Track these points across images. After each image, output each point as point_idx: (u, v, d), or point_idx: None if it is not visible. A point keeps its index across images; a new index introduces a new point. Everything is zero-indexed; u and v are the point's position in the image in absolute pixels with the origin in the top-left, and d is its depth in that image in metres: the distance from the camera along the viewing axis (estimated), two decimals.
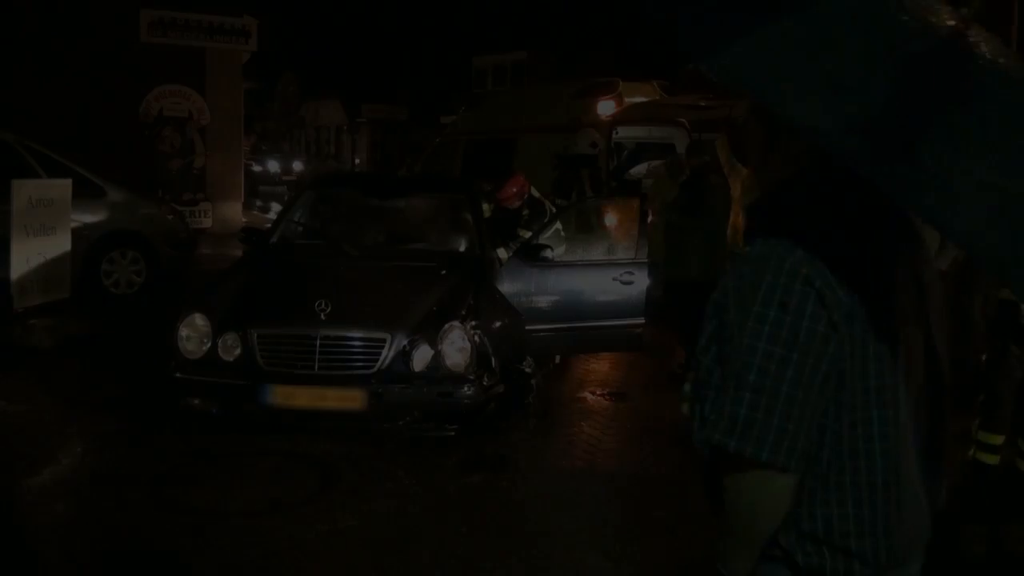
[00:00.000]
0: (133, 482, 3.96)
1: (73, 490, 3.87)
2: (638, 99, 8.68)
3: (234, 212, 14.39)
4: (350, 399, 4.27)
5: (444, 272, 5.02)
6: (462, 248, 5.61)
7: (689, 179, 5.95)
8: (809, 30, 1.09)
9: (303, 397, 4.27)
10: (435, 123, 33.05)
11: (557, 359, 6.22)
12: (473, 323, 4.50)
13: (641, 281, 5.54)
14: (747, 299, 1.28)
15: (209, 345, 4.42)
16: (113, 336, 6.75)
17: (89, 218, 7.82)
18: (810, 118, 1.09)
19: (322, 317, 4.37)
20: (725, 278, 1.35)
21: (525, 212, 6.08)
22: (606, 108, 8.41)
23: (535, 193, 6.28)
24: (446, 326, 4.42)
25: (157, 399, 4.92)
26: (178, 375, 4.41)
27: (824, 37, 1.10)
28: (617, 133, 8.57)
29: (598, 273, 5.54)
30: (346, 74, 41.60)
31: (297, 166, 27.84)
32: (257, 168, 25.97)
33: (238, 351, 4.39)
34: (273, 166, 27.01)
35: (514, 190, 6.07)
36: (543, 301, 5.40)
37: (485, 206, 6.08)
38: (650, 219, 6.62)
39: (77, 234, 7.16)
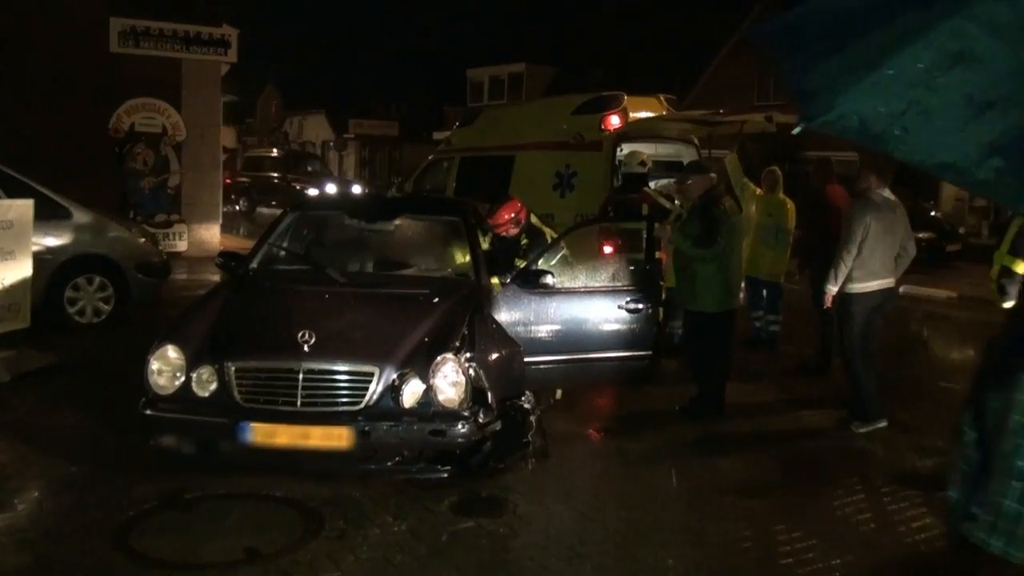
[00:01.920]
0: (97, 530, 3.92)
1: (30, 540, 3.83)
2: (644, 114, 8.72)
3: (211, 234, 14.42)
4: (335, 437, 4.25)
5: (436, 300, 5.02)
6: (456, 274, 5.62)
7: (700, 205, 5.96)
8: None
9: (284, 435, 4.25)
10: (427, 139, 33.29)
11: (558, 394, 6.20)
12: (468, 355, 4.49)
13: (649, 309, 5.54)
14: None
15: (182, 379, 4.40)
16: (77, 369, 6.72)
17: (52, 241, 7.82)
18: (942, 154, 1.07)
19: (305, 349, 4.36)
20: (1002, 334, 1.22)
21: (524, 242, 6.00)
22: (609, 123, 8.46)
23: (534, 220, 6.22)
24: (439, 358, 4.41)
25: (125, 438, 4.89)
26: (148, 412, 4.39)
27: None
28: (622, 151, 8.62)
29: (602, 300, 5.54)
30: (332, 87, 41.91)
31: (356, 189, 26.98)
32: (313, 192, 24.11)
33: (214, 386, 4.37)
34: (331, 190, 25.75)
35: (509, 216, 5.92)
36: (543, 331, 5.39)
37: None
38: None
39: (39, 259, 7.14)
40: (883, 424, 5.94)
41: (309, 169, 26.36)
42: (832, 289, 5.90)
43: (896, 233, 5.83)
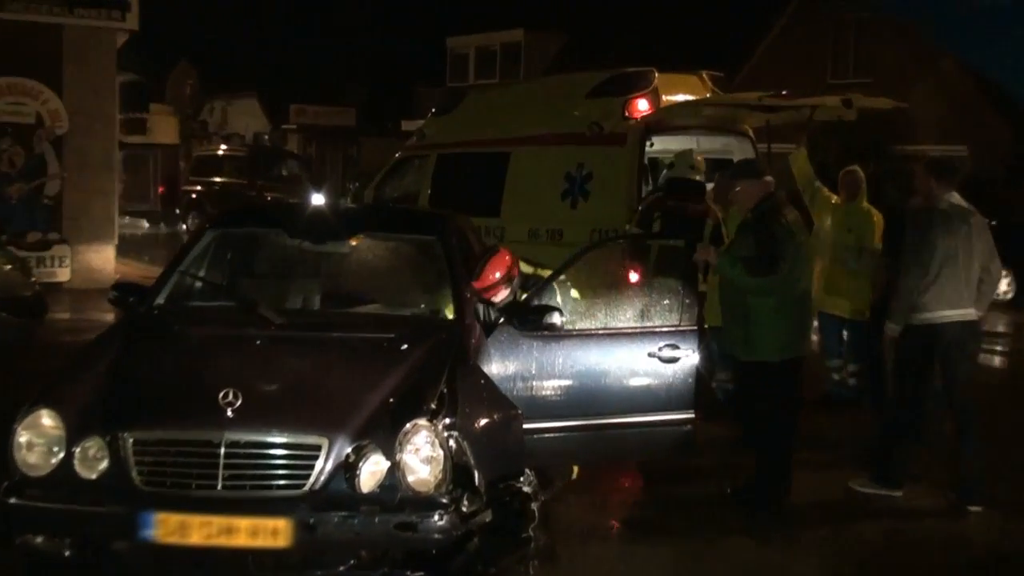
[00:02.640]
0: None
1: None
2: (681, 97, 8.82)
3: (103, 259, 14.43)
4: (269, 533, 4.22)
5: (405, 347, 5.02)
6: (432, 312, 5.63)
7: (753, 218, 6.01)
8: None
9: (200, 531, 4.21)
10: (394, 131, 33.49)
11: (572, 472, 6.19)
12: (447, 421, 4.49)
13: (689, 357, 5.57)
14: None
15: (61, 456, 4.38)
16: None
17: None
18: None
19: (229, 414, 4.35)
20: None
21: (524, 298, 5.95)
22: (635, 109, 8.55)
23: (527, 268, 6.21)
24: (408, 426, 4.40)
25: None
26: (13, 500, 4.34)
27: None
28: (652, 145, 8.70)
29: (628, 346, 5.56)
30: (267, 62, 42.25)
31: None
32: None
33: (104, 464, 4.35)
34: (319, 202, 24.71)
35: (497, 275, 5.76)
36: (549, 387, 5.40)
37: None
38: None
39: None
40: (898, 495, 6.12)
41: (284, 173, 25.79)
42: (895, 328, 6.00)
43: (974, 250, 5.95)
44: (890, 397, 6.35)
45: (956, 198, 6.04)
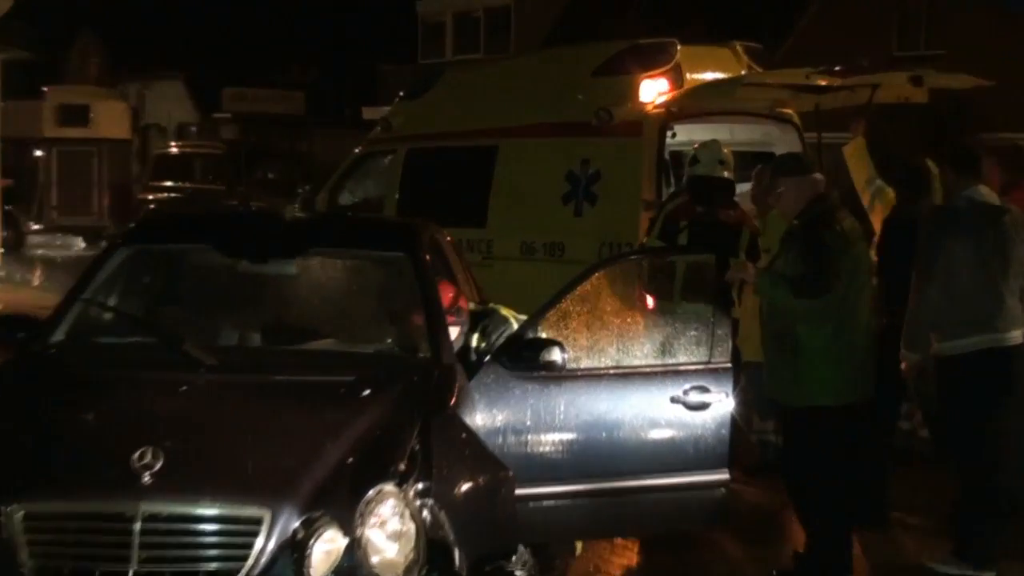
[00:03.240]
0: None
1: None
2: (709, 75, 8.86)
3: None
4: None
5: (368, 393, 5.04)
6: (400, 348, 5.65)
7: (800, 226, 6.03)
8: None
9: None
10: (352, 120, 33.53)
11: (577, 548, 6.18)
12: (420, 487, 4.49)
13: (722, 402, 5.58)
14: None
15: None
16: None
17: None
18: None
19: (146, 479, 4.33)
20: None
21: (477, 337, 5.95)
22: (653, 91, 8.58)
23: (473, 305, 6.19)
24: (371, 493, 4.40)
25: None
26: None
27: None
28: (674, 135, 8.73)
29: (646, 390, 5.57)
30: (194, 37, 42.30)
31: None
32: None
33: None
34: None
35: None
36: (548, 443, 5.41)
37: None
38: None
39: None
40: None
41: (270, 176, 25.80)
42: (910, 356, 6.02)
43: (1011, 256, 5.99)
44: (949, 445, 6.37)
45: (982, 193, 6.07)
